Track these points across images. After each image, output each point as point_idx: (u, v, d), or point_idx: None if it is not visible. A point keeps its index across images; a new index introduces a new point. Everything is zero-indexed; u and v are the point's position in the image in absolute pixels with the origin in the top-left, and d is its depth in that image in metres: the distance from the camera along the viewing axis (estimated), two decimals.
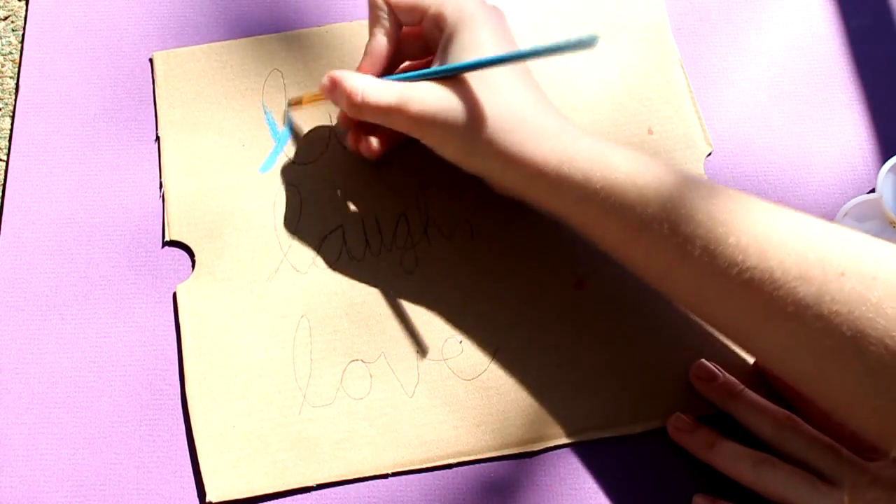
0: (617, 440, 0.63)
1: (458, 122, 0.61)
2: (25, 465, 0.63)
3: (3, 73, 0.76)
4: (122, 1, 0.78)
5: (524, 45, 0.64)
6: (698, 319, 0.63)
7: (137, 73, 0.75)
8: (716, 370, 0.63)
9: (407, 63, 0.69)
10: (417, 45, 0.67)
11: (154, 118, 0.73)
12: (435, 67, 0.62)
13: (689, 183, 0.57)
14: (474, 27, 0.61)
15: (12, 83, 0.75)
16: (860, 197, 0.67)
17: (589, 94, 0.73)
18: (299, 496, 0.62)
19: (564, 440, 0.63)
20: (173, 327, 0.67)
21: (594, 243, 0.62)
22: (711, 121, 0.72)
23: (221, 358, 0.66)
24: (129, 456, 0.63)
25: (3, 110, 0.74)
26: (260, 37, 0.76)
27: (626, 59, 0.75)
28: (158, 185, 0.71)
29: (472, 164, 0.63)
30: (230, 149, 0.72)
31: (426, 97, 0.61)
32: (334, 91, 0.64)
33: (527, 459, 0.63)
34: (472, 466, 0.63)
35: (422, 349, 0.66)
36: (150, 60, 0.76)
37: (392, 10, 0.65)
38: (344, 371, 0.65)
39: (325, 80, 0.64)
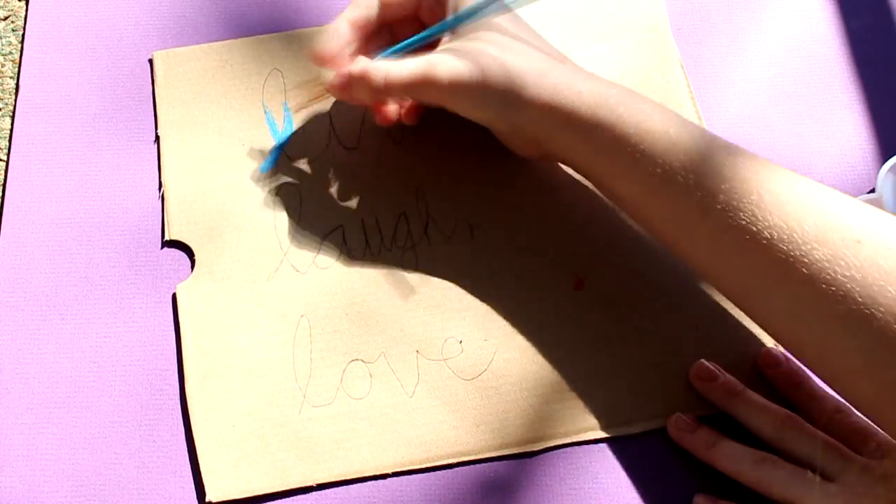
0: (617, 440, 0.64)
1: (489, 81, 0.61)
2: (25, 465, 0.64)
3: (3, 73, 0.76)
4: (122, 1, 0.79)
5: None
6: (705, 287, 0.64)
7: (137, 73, 0.76)
8: (716, 370, 0.64)
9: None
10: (412, 29, 0.68)
11: (154, 118, 0.74)
12: (427, 31, 0.65)
13: (715, 140, 0.58)
14: None
15: (12, 83, 0.76)
16: (860, 197, 0.68)
17: None
18: (299, 496, 0.63)
19: (564, 440, 0.64)
20: (173, 327, 0.67)
21: (613, 198, 0.64)
22: (711, 121, 0.73)
23: (221, 357, 0.66)
24: (129, 456, 0.64)
25: (3, 110, 0.75)
26: (260, 36, 0.76)
27: (627, 59, 0.75)
28: (158, 185, 0.71)
29: (507, 119, 0.64)
30: (230, 148, 0.72)
31: (453, 63, 0.62)
32: (351, 86, 0.64)
33: (527, 459, 0.63)
34: (471, 466, 0.63)
35: (421, 349, 0.66)
36: (150, 60, 0.76)
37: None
38: (344, 371, 0.65)
39: (335, 80, 0.65)
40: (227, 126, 0.73)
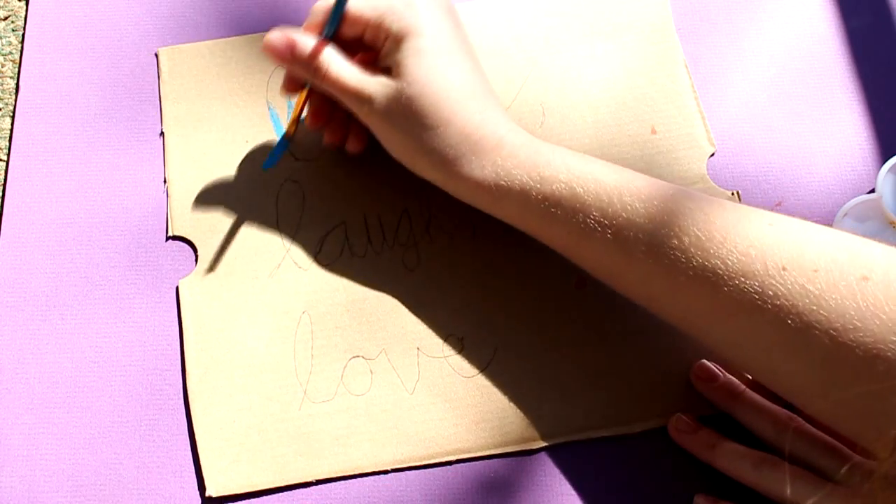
0: (617, 439, 0.64)
1: (398, 124, 0.64)
2: (25, 464, 0.64)
3: (3, 73, 0.77)
4: (122, 1, 0.79)
5: (523, 45, 0.66)
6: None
7: (137, 73, 0.77)
8: (716, 370, 0.64)
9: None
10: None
11: (156, 114, 0.75)
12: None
13: (628, 185, 0.60)
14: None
15: (12, 83, 0.77)
16: (860, 197, 0.69)
17: (592, 92, 0.75)
18: (299, 491, 0.63)
19: (564, 439, 0.64)
20: (174, 326, 0.68)
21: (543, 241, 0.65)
22: (711, 121, 0.73)
23: (223, 353, 0.67)
24: (129, 456, 0.64)
25: (3, 110, 0.76)
26: (264, 33, 0.75)
27: (630, 58, 0.76)
28: (162, 182, 0.72)
29: (417, 169, 0.66)
30: (234, 145, 0.73)
31: (378, 91, 0.64)
32: (294, 55, 0.66)
33: (526, 458, 0.64)
34: (471, 464, 0.64)
35: (422, 346, 0.67)
36: (156, 56, 0.77)
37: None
38: (344, 367, 0.66)
39: (281, 40, 0.66)
40: (232, 122, 0.74)
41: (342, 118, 0.71)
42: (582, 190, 0.60)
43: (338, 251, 0.70)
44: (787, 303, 0.54)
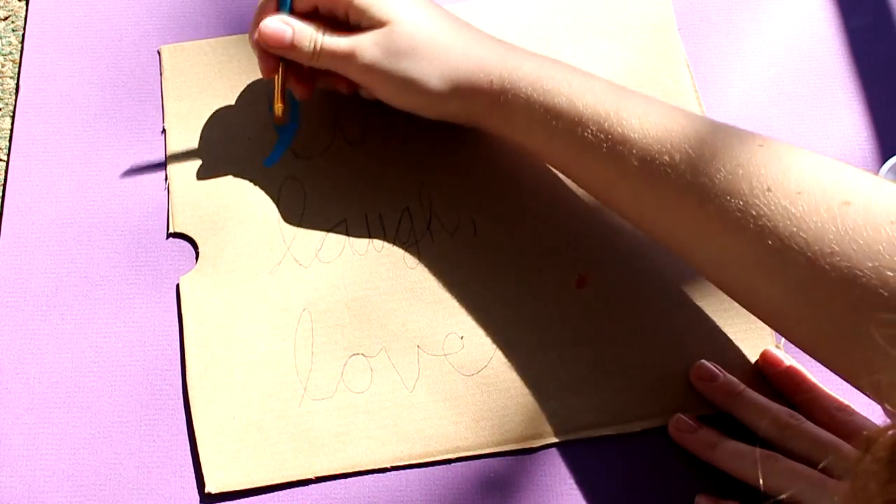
0: (617, 438, 0.65)
1: (403, 73, 0.66)
2: (25, 464, 0.65)
3: (3, 73, 0.78)
4: (122, 1, 0.80)
5: (525, 44, 0.68)
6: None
7: (137, 73, 0.77)
8: (716, 370, 0.65)
9: None
10: None
11: (156, 114, 0.76)
12: None
13: (625, 102, 0.62)
14: None
15: (12, 83, 0.78)
16: None
17: None
18: (298, 488, 0.64)
19: (564, 437, 0.65)
20: (175, 325, 0.69)
21: (542, 159, 0.68)
22: None
23: (223, 349, 0.67)
24: (129, 455, 0.65)
25: (3, 110, 0.77)
26: None
27: (632, 57, 0.77)
28: (162, 181, 0.73)
29: (421, 104, 0.69)
30: (235, 142, 0.74)
31: (370, 47, 0.66)
32: (283, 42, 0.67)
33: (526, 456, 0.65)
34: (471, 462, 0.65)
35: (423, 344, 0.68)
36: (158, 53, 0.78)
37: None
38: (345, 365, 0.67)
39: (278, 33, 0.67)
40: (233, 120, 0.75)
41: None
42: (581, 104, 0.62)
43: (339, 249, 0.70)
44: (769, 223, 0.55)
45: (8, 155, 0.75)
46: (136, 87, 0.77)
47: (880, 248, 0.51)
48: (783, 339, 0.68)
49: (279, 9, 0.68)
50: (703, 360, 0.66)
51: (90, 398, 0.67)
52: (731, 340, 0.68)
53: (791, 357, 0.66)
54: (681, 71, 0.76)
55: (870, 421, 0.62)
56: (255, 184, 0.73)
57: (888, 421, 0.45)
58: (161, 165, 0.74)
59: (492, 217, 0.72)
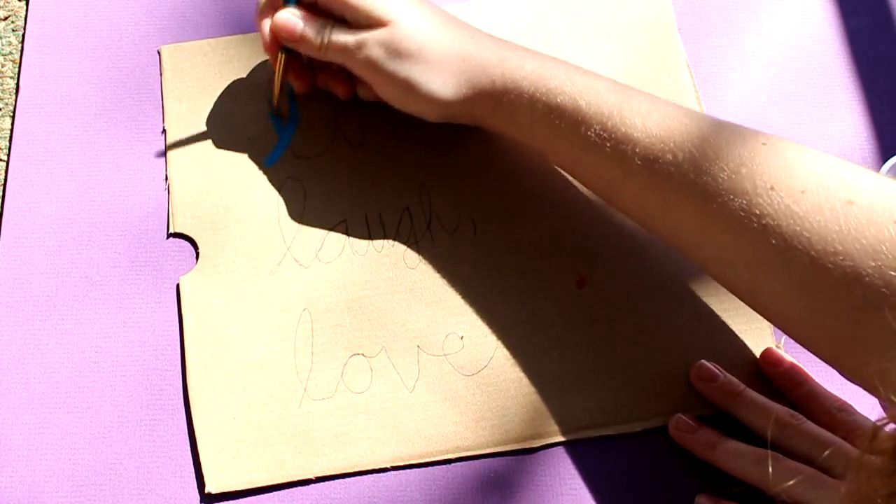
0: (617, 438, 0.65)
1: (406, 75, 0.67)
2: (26, 464, 0.65)
3: (3, 73, 0.78)
4: (122, 1, 0.80)
5: (525, 44, 0.68)
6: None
7: (137, 73, 0.78)
8: (716, 370, 0.65)
9: None
10: None
11: (156, 114, 0.76)
12: None
13: (628, 101, 0.62)
14: None
15: (12, 83, 0.78)
16: None
17: None
18: (298, 488, 0.64)
19: (564, 437, 0.65)
20: (175, 325, 0.69)
21: (546, 158, 0.69)
22: None
23: (223, 350, 0.68)
24: (129, 455, 0.66)
25: (3, 110, 0.77)
26: None
27: (633, 57, 0.77)
28: (162, 181, 0.73)
29: (422, 105, 0.69)
30: (235, 142, 0.74)
31: (373, 45, 0.67)
32: (293, 34, 0.68)
33: (526, 456, 0.65)
34: (471, 462, 0.65)
35: (423, 344, 0.68)
36: (159, 53, 0.78)
37: None
38: (345, 365, 0.67)
39: (290, 26, 0.68)
40: (233, 120, 0.75)
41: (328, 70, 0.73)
42: (584, 103, 0.63)
43: (339, 249, 0.71)
44: (772, 222, 0.55)
45: (8, 155, 0.75)
46: (136, 87, 0.77)
47: (883, 247, 0.52)
48: (783, 339, 0.68)
49: (286, 2, 0.69)
50: (703, 361, 0.67)
51: (90, 398, 0.67)
52: (731, 340, 0.68)
53: (791, 357, 0.66)
54: (681, 71, 0.76)
55: (870, 421, 0.62)
56: (255, 184, 0.73)
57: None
58: (161, 166, 0.74)
59: (492, 217, 0.72)
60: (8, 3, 0.81)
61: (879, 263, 0.52)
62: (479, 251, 0.71)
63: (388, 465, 0.65)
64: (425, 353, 0.68)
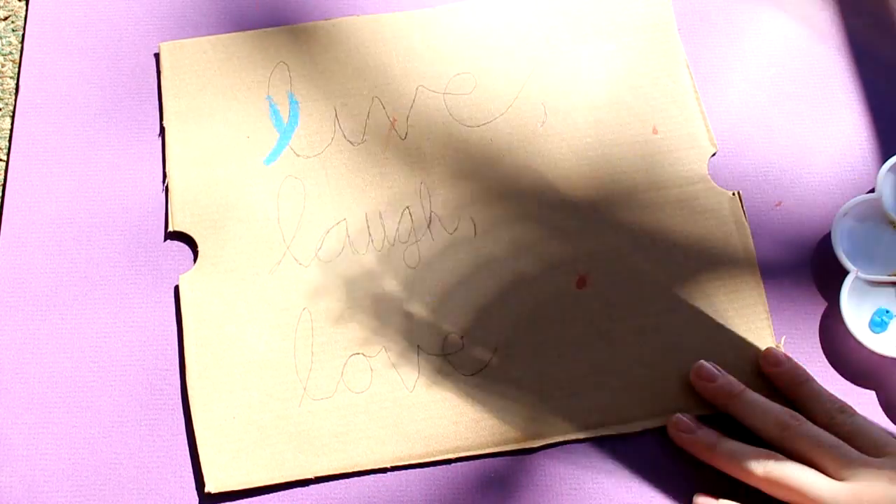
0: (617, 438, 0.65)
1: None
2: (25, 464, 0.65)
3: (3, 73, 0.78)
4: (122, 1, 0.80)
5: (525, 44, 0.68)
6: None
7: (137, 73, 0.77)
8: (716, 371, 0.65)
9: None
10: None
11: (156, 114, 0.76)
12: None
13: None
14: None
15: (12, 83, 0.78)
16: (860, 197, 0.69)
17: (594, 92, 0.75)
18: (298, 488, 0.64)
19: (564, 437, 0.65)
20: (174, 326, 0.69)
21: None
22: (711, 121, 0.74)
23: (222, 349, 0.68)
24: (129, 455, 0.66)
25: (3, 110, 0.77)
26: (267, 29, 0.78)
27: (632, 58, 0.77)
28: (161, 179, 0.73)
29: None
30: (235, 140, 0.74)
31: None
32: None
33: (526, 456, 0.65)
34: (471, 462, 0.65)
35: (423, 344, 0.68)
36: (156, 52, 0.78)
37: None
38: (345, 364, 0.67)
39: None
40: (233, 118, 0.75)
41: None
42: None
43: (339, 248, 0.71)
44: None
45: (8, 155, 0.75)
46: (136, 87, 0.77)
47: None
48: (783, 339, 0.68)
49: None
50: (702, 361, 0.66)
51: (90, 398, 0.67)
52: (731, 340, 0.68)
53: (791, 357, 0.66)
54: (681, 71, 0.76)
55: (870, 422, 0.63)
56: (255, 182, 0.73)
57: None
58: (160, 166, 0.74)
59: (492, 217, 0.72)
60: (8, 3, 0.81)
61: None
62: (479, 251, 0.71)
63: (388, 465, 0.65)
64: (425, 353, 0.68)
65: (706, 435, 0.64)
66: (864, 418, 0.63)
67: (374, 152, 0.74)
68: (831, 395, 0.64)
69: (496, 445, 0.65)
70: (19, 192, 0.74)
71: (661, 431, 0.65)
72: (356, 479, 0.65)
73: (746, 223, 0.71)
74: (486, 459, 0.65)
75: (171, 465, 0.66)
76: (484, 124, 0.74)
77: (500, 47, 0.77)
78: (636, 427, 0.66)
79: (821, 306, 0.69)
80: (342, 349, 0.68)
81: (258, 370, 0.67)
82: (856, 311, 0.67)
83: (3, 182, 0.74)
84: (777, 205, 0.72)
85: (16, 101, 0.77)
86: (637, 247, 0.71)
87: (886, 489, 0.58)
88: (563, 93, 0.76)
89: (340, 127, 0.75)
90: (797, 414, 0.63)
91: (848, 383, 0.67)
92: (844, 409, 0.63)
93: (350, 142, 0.74)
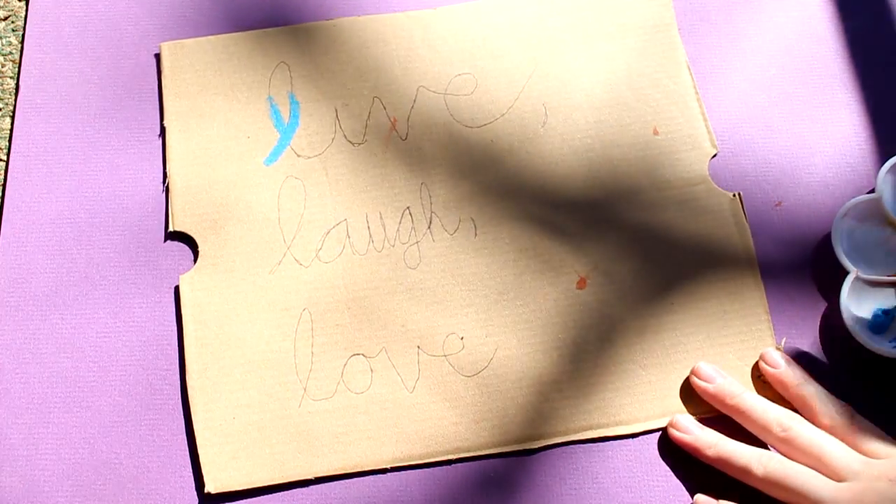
0: (617, 439, 0.65)
1: None
2: (25, 464, 0.65)
3: (3, 73, 0.78)
4: (123, 1, 0.80)
5: (526, 45, 0.67)
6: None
7: (137, 73, 0.77)
8: (715, 372, 0.65)
9: None
10: None
11: (156, 114, 0.75)
12: None
13: None
14: None
15: (12, 83, 0.77)
16: (860, 197, 0.69)
17: (595, 93, 0.75)
18: (298, 489, 0.64)
19: (564, 438, 0.65)
20: (174, 326, 0.69)
21: None
22: (711, 121, 0.74)
23: (222, 349, 0.67)
24: (129, 455, 0.65)
25: (3, 110, 0.76)
26: (267, 29, 0.77)
27: (633, 59, 0.77)
28: (161, 180, 0.73)
29: None
30: (235, 140, 0.74)
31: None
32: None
33: (526, 457, 0.65)
34: (471, 463, 0.65)
35: (423, 344, 0.67)
36: (157, 52, 0.77)
37: None
38: (345, 365, 0.67)
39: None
40: (233, 118, 0.75)
41: None
42: None
43: (339, 248, 0.70)
44: None
45: (8, 155, 0.75)
46: (136, 87, 0.77)
47: None
48: (783, 340, 0.68)
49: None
50: (702, 362, 0.66)
51: (90, 397, 0.67)
52: (730, 342, 0.68)
53: (791, 357, 0.66)
54: (682, 72, 0.76)
55: (870, 423, 0.62)
56: (255, 183, 0.73)
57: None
58: (160, 166, 0.74)
59: (492, 217, 0.71)
60: (8, 3, 0.81)
61: None
62: (479, 251, 0.70)
63: (388, 466, 0.65)
64: (425, 354, 0.67)
65: (706, 436, 0.64)
66: (865, 419, 0.62)
67: (375, 153, 0.73)
68: (831, 396, 0.64)
69: (496, 446, 0.65)
70: (19, 192, 0.73)
71: (662, 432, 0.65)
72: (356, 479, 0.65)
73: (747, 225, 0.71)
74: (487, 460, 0.65)
75: (171, 465, 0.65)
76: (485, 125, 0.74)
77: (501, 48, 0.77)
78: (636, 428, 0.65)
79: (821, 306, 0.69)
80: (342, 350, 0.67)
81: (258, 370, 0.67)
82: (856, 311, 0.67)
83: (3, 182, 0.74)
84: (777, 205, 0.72)
85: (16, 101, 0.77)
86: (637, 247, 0.70)
87: (888, 490, 0.57)
88: (564, 94, 0.75)
89: (341, 127, 0.74)
90: (797, 415, 0.63)
91: (848, 383, 0.66)
92: (844, 409, 0.63)
93: (351, 142, 0.74)
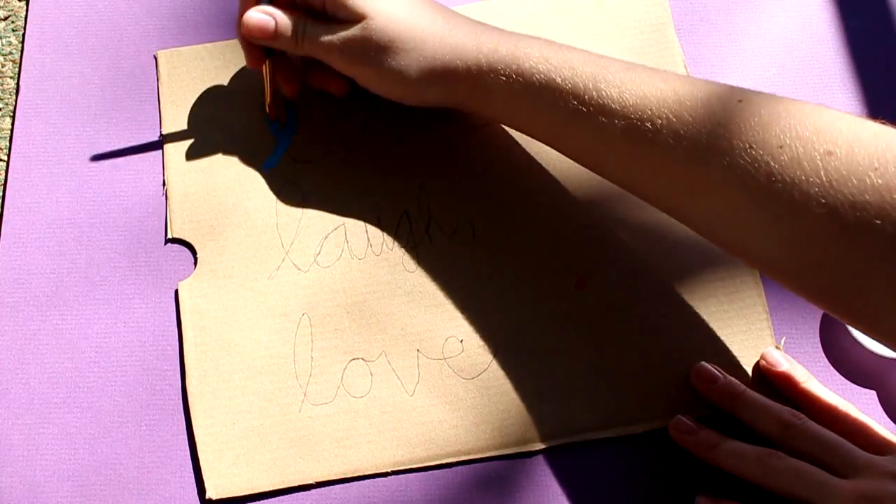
0: (618, 440, 0.65)
1: (382, 66, 0.66)
2: (26, 464, 0.65)
3: (3, 73, 0.77)
4: (123, 1, 0.79)
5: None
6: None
7: (137, 74, 0.77)
8: (716, 372, 0.65)
9: None
10: None
11: (155, 117, 0.75)
12: None
13: (602, 72, 0.61)
14: None
15: (12, 83, 0.77)
16: None
17: None
18: (299, 494, 0.64)
19: (564, 440, 0.65)
20: (174, 327, 0.68)
21: (529, 135, 0.67)
22: None
23: (222, 355, 0.67)
24: (129, 455, 0.65)
25: (3, 110, 0.76)
26: None
27: (630, 58, 0.74)
28: (161, 184, 0.72)
29: (399, 92, 0.68)
30: (233, 147, 0.73)
31: (348, 42, 0.66)
32: (271, 35, 0.68)
33: (526, 459, 0.64)
34: (471, 465, 0.64)
35: (422, 348, 0.67)
36: (155, 58, 0.77)
37: None
38: (344, 369, 0.67)
39: (262, 23, 0.68)
40: (231, 125, 0.74)
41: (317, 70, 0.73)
42: (560, 79, 0.61)
43: (337, 253, 0.70)
44: (753, 181, 0.54)
45: (8, 155, 0.74)
46: (136, 88, 0.76)
47: (866, 197, 0.50)
48: (783, 340, 0.67)
49: (259, 0, 0.68)
50: (703, 362, 0.66)
51: (90, 398, 0.67)
52: (731, 341, 0.67)
53: (792, 357, 0.66)
54: (678, 71, 0.75)
55: (871, 420, 0.62)
56: (253, 188, 0.72)
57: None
58: (160, 166, 0.73)
59: (490, 220, 0.71)
60: (8, 3, 0.81)
61: (863, 214, 0.51)
62: (477, 254, 0.70)
63: (389, 470, 0.64)
64: (425, 357, 0.67)
65: (708, 436, 0.63)
66: (866, 416, 0.62)
67: (373, 157, 0.73)
68: (832, 393, 0.64)
69: (497, 449, 0.65)
70: (19, 192, 0.73)
71: (663, 433, 0.65)
72: (357, 483, 0.64)
73: None
74: (487, 463, 0.65)
75: (172, 466, 0.65)
76: (483, 127, 0.74)
77: None
78: (637, 429, 0.65)
79: None
80: (342, 354, 0.67)
81: (258, 376, 0.67)
82: None
83: (3, 182, 0.74)
84: None
85: (16, 101, 0.76)
86: (636, 248, 0.70)
87: (891, 487, 0.57)
88: None
89: (338, 132, 0.74)
90: (799, 413, 0.62)
91: (848, 383, 0.66)
92: (845, 408, 0.63)
93: (348, 146, 0.73)
